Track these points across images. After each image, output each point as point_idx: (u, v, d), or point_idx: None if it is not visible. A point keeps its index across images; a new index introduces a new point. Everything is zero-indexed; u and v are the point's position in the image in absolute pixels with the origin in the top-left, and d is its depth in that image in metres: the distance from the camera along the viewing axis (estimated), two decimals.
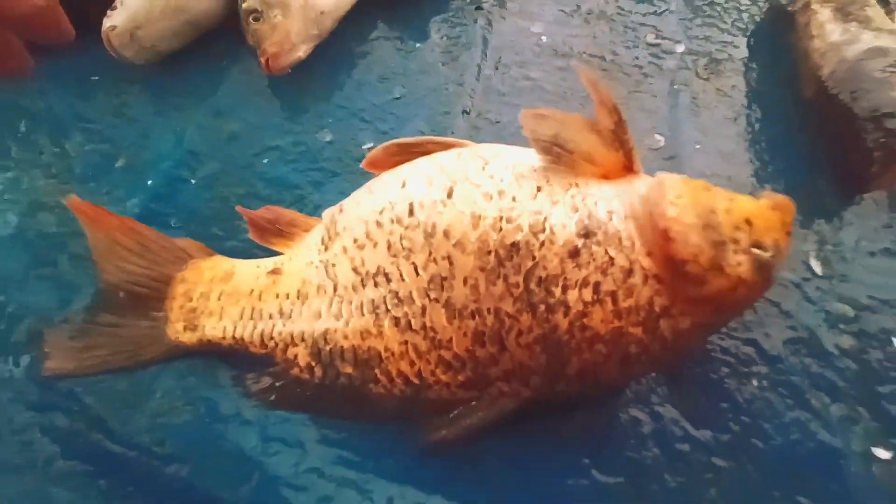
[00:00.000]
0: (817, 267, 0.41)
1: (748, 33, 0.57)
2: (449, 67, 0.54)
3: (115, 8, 0.49)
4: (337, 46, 0.53)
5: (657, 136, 0.49)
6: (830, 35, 0.48)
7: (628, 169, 0.31)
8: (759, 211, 0.31)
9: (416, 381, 0.31)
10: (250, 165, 0.47)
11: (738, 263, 0.29)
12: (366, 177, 0.45)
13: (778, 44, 0.55)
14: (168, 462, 0.32)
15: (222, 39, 0.54)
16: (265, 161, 0.47)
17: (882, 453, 0.34)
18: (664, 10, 0.59)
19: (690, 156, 0.47)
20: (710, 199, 0.30)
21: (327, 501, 0.32)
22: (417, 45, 0.55)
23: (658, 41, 0.56)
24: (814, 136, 0.47)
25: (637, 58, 0.54)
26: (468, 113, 0.50)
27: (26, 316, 0.38)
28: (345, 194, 0.45)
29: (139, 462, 0.32)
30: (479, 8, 0.58)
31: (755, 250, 0.29)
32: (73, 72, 0.54)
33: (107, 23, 0.48)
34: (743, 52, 0.55)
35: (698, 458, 0.34)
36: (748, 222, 0.30)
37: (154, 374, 0.35)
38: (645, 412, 0.35)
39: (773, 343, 0.37)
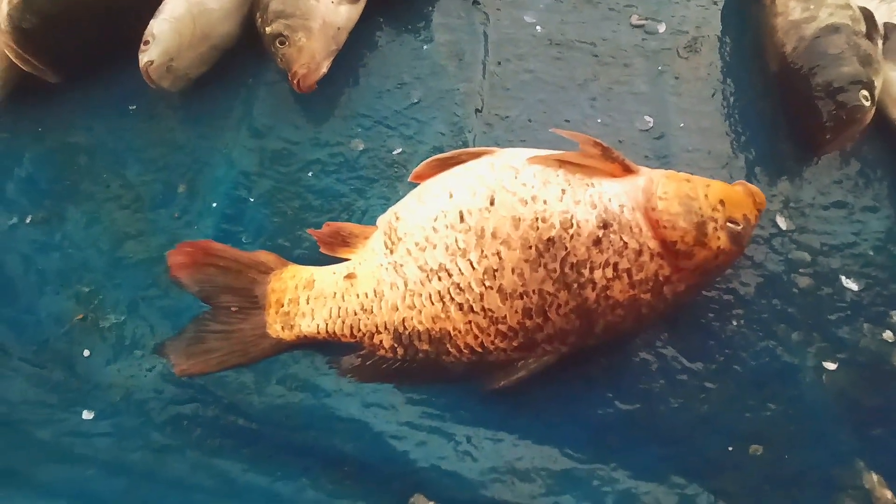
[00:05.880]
0: (782, 223, 0.50)
1: (720, 6, 0.63)
2: (457, 67, 0.59)
3: (147, 43, 0.52)
4: (351, 55, 0.58)
5: (646, 118, 0.56)
6: (792, 13, 0.55)
7: (628, 170, 0.39)
8: (731, 193, 0.40)
9: (479, 350, 0.40)
10: (298, 180, 0.53)
11: (718, 237, 0.38)
12: (402, 181, 0.52)
13: (747, 17, 0.61)
14: (296, 430, 0.42)
15: (241, 58, 0.58)
16: (310, 174, 0.53)
17: (830, 365, 0.45)
18: None
19: (676, 134, 0.55)
20: (689, 189, 0.38)
21: (423, 444, 0.42)
22: (425, 47, 0.60)
23: (641, 22, 0.62)
24: (777, 106, 0.55)
25: (623, 42, 0.60)
26: (480, 111, 0.56)
27: (145, 331, 0.46)
28: (386, 199, 0.53)
29: (273, 433, 0.42)
30: (475, 3, 0.62)
31: (729, 224, 0.38)
32: (109, 104, 0.57)
33: (143, 58, 0.52)
34: (717, 27, 0.61)
35: (693, 383, 0.45)
36: (722, 203, 0.39)
37: (265, 367, 0.44)
38: (652, 353, 0.45)
39: (748, 289, 0.47)
